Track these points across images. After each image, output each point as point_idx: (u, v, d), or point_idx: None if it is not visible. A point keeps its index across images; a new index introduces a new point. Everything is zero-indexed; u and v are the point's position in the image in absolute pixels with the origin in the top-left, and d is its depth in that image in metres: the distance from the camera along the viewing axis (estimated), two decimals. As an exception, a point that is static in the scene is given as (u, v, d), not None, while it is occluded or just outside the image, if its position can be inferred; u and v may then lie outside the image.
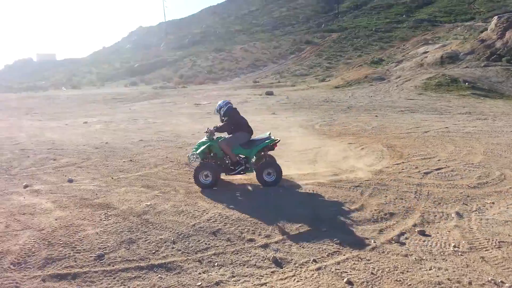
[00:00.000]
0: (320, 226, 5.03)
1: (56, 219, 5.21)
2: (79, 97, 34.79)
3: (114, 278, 3.71)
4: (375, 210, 5.64)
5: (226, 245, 4.37)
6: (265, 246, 4.38)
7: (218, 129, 7.10)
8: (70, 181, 7.24)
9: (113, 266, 3.93)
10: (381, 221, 5.30)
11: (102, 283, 3.65)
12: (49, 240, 4.51)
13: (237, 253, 4.20)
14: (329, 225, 5.06)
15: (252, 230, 4.79)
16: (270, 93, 27.80)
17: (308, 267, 4.00)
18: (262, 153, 7.10)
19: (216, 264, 4.00)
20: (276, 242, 4.48)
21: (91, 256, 4.11)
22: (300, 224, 5.05)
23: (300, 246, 4.43)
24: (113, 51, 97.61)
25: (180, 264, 3.96)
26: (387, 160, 8.53)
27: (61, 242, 4.44)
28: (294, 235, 4.71)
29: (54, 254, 4.14)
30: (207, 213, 5.34)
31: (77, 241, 4.49)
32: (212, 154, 7.01)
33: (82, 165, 8.68)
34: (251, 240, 4.51)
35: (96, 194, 6.41)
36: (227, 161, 6.98)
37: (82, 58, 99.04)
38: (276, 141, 7.11)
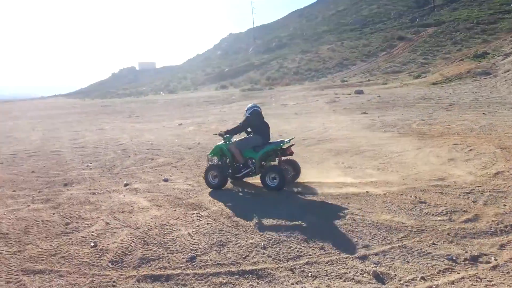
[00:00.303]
0: (426, 237, 4.42)
1: (151, 218, 5.36)
2: (175, 101, 37.08)
3: (205, 283, 3.61)
4: (492, 221, 4.82)
5: (320, 254, 4.02)
6: (364, 257, 3.94)
7: (229, 132, 7.09)
8: (166, 180, 7.50)
9: (204, 269, 3.84)
10: (501, 235, 4.50)
11: (193, 287, 3.57)
12: (145, 239, 4.61)
13: (332, 264, 3.83)
14: (437, 236, 4.42)
15: (348, 239, 4.38)
16: (359, 92, 26.64)
17: (415, 285, 3.48)
18: (283, 157, 6.94)
19: (309, 274, 3.69)
20: (375, 254, 4.01)
21: (183, 258, 4.08)
22: (402, 234, 4.50)
23: (404, 260, 3.91)
24: (206, 58, 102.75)
25: (271, 272, 3.73)
26: (502, 163, 7.40)
27: (155, 242, 4.50)
28: (397, 247, 4.19)
29: (149, 254, 4.20)
30: (298, 218, 5.06)
31: (171, 241, 4.52)
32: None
33: (177, 165, 9.00)
34: (346, 250, 4.11)
35: (189, 193, 6.51)
36: (235, 164, 6.96)
37: (178, 65, 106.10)
38: (289, 145, 6.92)
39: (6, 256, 4.29)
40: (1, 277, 3.83)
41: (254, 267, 3.82)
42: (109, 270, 3.91)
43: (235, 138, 7.20)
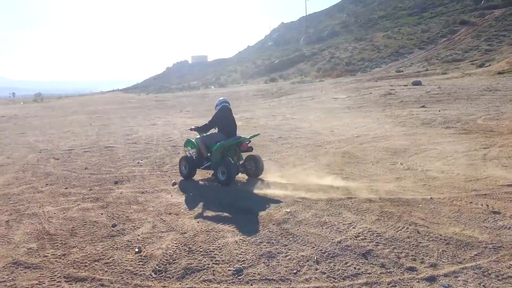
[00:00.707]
0: (504, 256, 3.80)
1: (198, 222, 5.16)
2: (224, 95, 37.29)
3: (251, 301, 3.31)
4: None
5: (380, 273, 3.57)
6: (431, 279, 3.43)
7: (199, 129, 7.67)
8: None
9: (251, 284, 3.54)
10: None
11: (239, 305, 3.29)
12: (190, 246, 4.40)
13: (395, 285, 3.37)
14: (520, 255, 3.80)
15: (412, 255, 3.86)
16: (417, 83, 25.15)
17: (496, 317, 2.95)
18: (243, 153, 7.39)
19: (369, 297, 3.27)
20: (445, 275, 3.48)
21: (229, 270, 3.81)
22: (475, 252, 3.92)
23: (480, 284, 3.36)
24: (256, 49, 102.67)
25: (325, 292, 3.34)
26: None
27: (201, 250, 4.27)
28: (470, 267, 3.63)
29: (194, 264, 3.97)
30: (353, 228, 4.60)
31: (217, 249, 4.27)
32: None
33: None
34: (411, 269, 3.61)
35: (237, 195, 6.25)
36: (202, 157, 7.43)
37: (229, 58, 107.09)
38: (245, 141, 7.21)
39: (51, 259, 4.26)
40: (44, 283, 3.77)
41: (305, 285, 3.45)
42: (152, 281, 3.72)
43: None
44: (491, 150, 8.04)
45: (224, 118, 7.46)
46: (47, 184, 7.65)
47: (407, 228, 4.47)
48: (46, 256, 4.35)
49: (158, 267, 3.96)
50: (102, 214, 5.70)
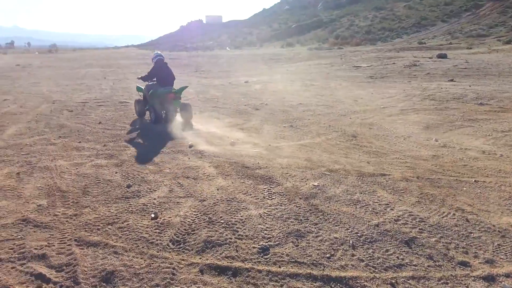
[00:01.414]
0: None
1: (218, 189, 4.76)
2: (240, 57, 36.33)
3: (281, 286, 2.93)
4: None
5: (428, 266, 3.14)
6: (490, 278, 2.99)
7: (142, 78, 8.77)
8: (232, 144, 6.88)
9: (279, 266, 3.15)
10: None
11: (266, 290, 2.91)
12: (210, 215, 4.01)
13: (447, 283, 2.95)
14: None
15: (463, 247, 3.41)
16: (442, 56, 23.98)
17: None
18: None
19: (417, 293, 2.86)
20: (506, 275, 3.03)
21: (254, 247, 3.42)
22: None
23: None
24: (272, 13, 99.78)
25: (365, 283, 2.93)
26: None
27: (222, 221, 3.88)
28: (530, 265, 3.18)
29: (215, 237, 3.59)
30: (392, 209, 4.15)
31: (239, 222, 3.88)
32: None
33: (244, 127, 8.34)
34: (464, 263, 3.18)
35: (258, 162, 5.82)
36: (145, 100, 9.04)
37: (244, 20, 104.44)
38: (171, 92, 8.35)
39: (61, 219, 3.92)
40: (53, 245, 3.43)
41: (342, 274, 3.05)
42: (169, 252, 3.36)
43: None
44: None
45: (159, 70, 8.54)
46: (60, 137, 7.31)
47: (454, 214, 4.00)
48: (57, 215, 4.02)
49: (176, 237, 3.59)
50: (116, 172, 5.34)
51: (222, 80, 18.57)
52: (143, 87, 9.08)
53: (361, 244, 3.47)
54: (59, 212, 4.08)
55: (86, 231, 3.70)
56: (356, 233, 3.65)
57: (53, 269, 3.11)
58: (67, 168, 5.52)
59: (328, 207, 4.25)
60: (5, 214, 4.02)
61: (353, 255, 3.30)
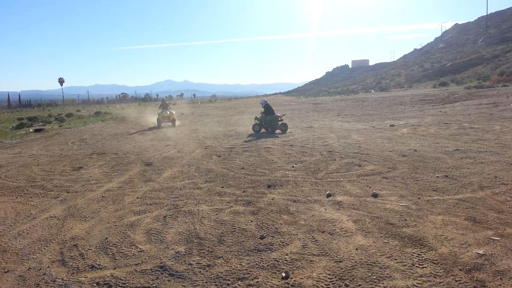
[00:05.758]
0: None
1: (356, 249, 4.24)
2: (386, 99, 34.80)
3: None
4: None
5: None
6: None
7: (262, 113, 16.80)
8: (375, 195, 6.25)
9: None
10: None
11: None
12: (347, 282, 3.52)
13: None
14: None
15: None
16: None
17: None
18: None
19: None
20: None
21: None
22: None
23: None
24: (424, 52, 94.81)
25: None
26: None
27: (360, 290, 3.35)
28: None
29: (351, 309, 3.08)
30: None
31: (381, 293, 3.29)
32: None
33: (388, 175, 7.60)
34: None
35: (405, 219, 5.08)
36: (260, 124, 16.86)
37: (392, 61, 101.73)
38: (279, 116, 16.49)
39: (195, 269, 3.94)
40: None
41: None
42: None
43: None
44: None
45: (267, 108, 16.65)
46: (206, 181, 7.79)
47: None
48: (191, 264, 4.08)
49: (310, 305, 3.22)
50: (251, 221, 5.30)
51: (365, 124, 17.87)
52: (259, 117, 16.69)
53: None
54: (194, 261, 4.14)
55: (216, 285, 3.62)
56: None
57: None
58: (207, 213, 5.74)
59: (500, 285, 3.31)
60: (146, 259, 4.26)
61: None
